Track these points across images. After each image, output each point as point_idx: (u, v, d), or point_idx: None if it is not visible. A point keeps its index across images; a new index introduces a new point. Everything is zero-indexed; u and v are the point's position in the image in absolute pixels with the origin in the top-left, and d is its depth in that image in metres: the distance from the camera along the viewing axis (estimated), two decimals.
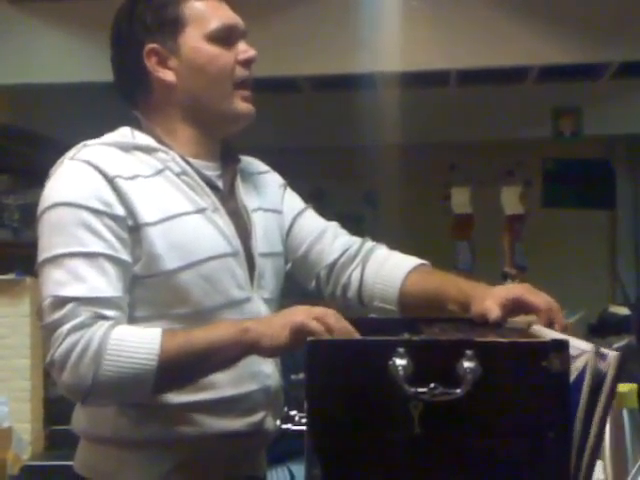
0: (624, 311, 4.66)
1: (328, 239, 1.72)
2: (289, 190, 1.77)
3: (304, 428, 1.13)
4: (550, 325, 1.37)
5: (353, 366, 1.10)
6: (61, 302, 1.37)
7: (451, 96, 5.73)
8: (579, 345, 1.14)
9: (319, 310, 1.33)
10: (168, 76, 1.54)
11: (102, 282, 1.39)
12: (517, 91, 5.70)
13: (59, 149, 1.57)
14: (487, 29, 4.02)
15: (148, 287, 1.45)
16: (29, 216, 4.94)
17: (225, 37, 1.55)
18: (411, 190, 6.07)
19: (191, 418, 1.48)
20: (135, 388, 1.37)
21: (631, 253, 6.64)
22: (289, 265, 1.71)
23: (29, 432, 4.06)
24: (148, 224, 1.45)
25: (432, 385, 1.08)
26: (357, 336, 1.26)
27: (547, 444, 1.09)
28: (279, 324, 1.34)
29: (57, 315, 1.36)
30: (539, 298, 1.43)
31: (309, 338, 1.14)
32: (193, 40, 1.54)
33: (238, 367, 1.46)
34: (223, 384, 1.49)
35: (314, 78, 5.38)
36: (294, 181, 1.79)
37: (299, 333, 1.29)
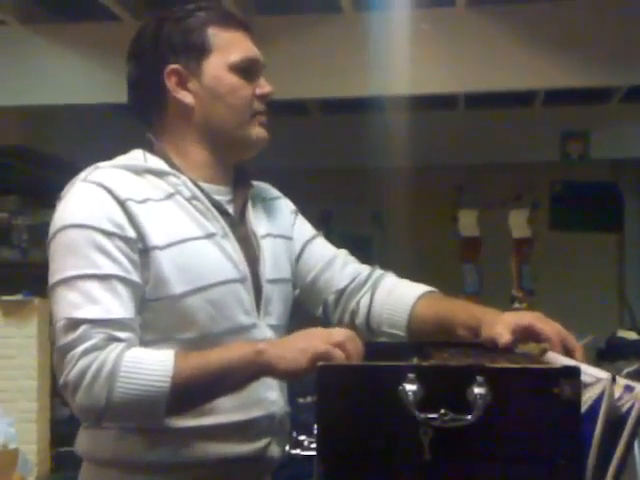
0: (633, 336, 4.65)
1: (337, 266, 1.70)
2: (300, 217, 1.76)
3: (313, 453, 1.12)
4: (569, 354, 1.36)
5: (363, 391, 1.09)
6: (74, 324, 1.36)
7: (459, 119, 5.75)
8: (594, 373, 1.13)
9: (338, 336, 1.31)
10: (187, 98, 1.54)
11: (115, 304, 1.39)
12: (525, 114, 5.72)
13: (68, 170, 1.57)
14: (495, 53, 4.04)
15: (155, 311, 1.44)
16: (37, 236, 4.96)
17: (246, 69, 1.56)
18: (419, 212, 6.08)
19: (193, 443, 1.46)
20: (149, 410, 1.35)
21: (639, 276, 6.62)
22: (297, 291, 1.70)
23: (35, 453, 4.05)
24: (157, 247, 1.44)
25: (442, 411, 1.07)
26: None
27: (558, 471, 1.08)
28: (298, 349, 1.31)
29: (70, 337, 1.36)
30: (550, 327, 1.41)
31: (320, 363, 1.13)
32: (216, 68, 1.55)
33: (243, 393, 1.44)
34: (227, 409, 1.47)
35: (323, 101, 5.41)
36: (302, 203, 1.79)
37: (320, 360, 1.25)
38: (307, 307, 1.72)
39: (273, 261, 1.59)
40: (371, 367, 1.14)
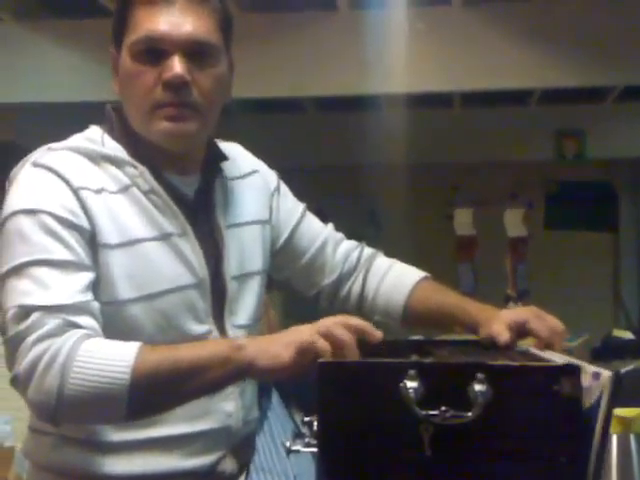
0: (628, 335, 4.65)
1: (329, 251, 1.64)
2: (283, 193, 1.62)
3: (314, 450, 1.12)
4: (548, 347, 1.35)
5: (364, 388, 1.09)
6: (25, 312, 1.22)
7: (455, 118, 5.76)
8: (595, 371, 1.14)
9: (324, 323, 1.20)
10: (115, 85, 1.41)
11: (69, 289, 1.25)
12: (520, 113, 5.73)
13: None
14: (492, 52, 4.05)
15: (102, 314, 1.30)
16: None
17: (149, 51, 1.34)
18: (414, 210, 6.08)
19: (134, 456, 1.35)
20: (107, 407, 1.21)
21: (634, 276, 6.64)
22: (287, 273, 1.64)
23: None
24: (107, 246, 1.32)
25: (443, 408, 1.07)
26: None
27: (559, 469, 1.08)
28: (282, 342, 1.20)
29: (22, 326, 1.21)
30: (542, 324, 1.40)
31: (320, 360, 1.12)
32: (123, 52, 1.37)
33: (193, 403, 1.30)
34: (171, 420, 1.35)
35: (319, 99, 5.41)
36: (298, 200, 1.77)
37: (305, 352, 1.17)
38: (298, 290, 1.66)
39: (239, 255, 1.47)
40: (372, 364, 1.14)
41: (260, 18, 4.05)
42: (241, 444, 1.48)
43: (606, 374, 1.08)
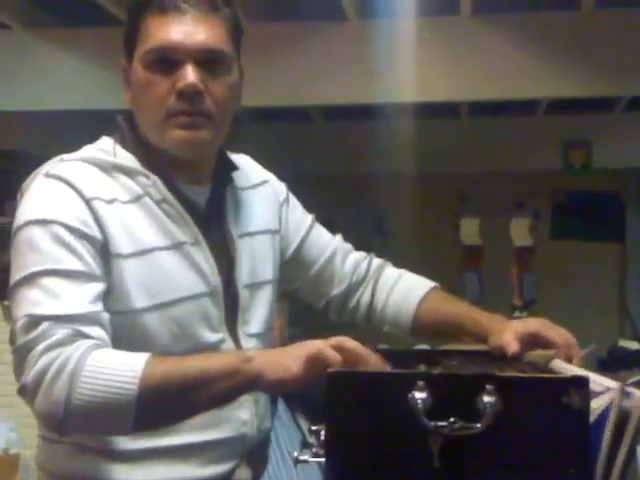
0: (634, 345, 4.64)
1: (338, 262, 1.64)
2: (292, 204, 1.64)
3: (322, 460, 1.12)
4: (568, 360, 1.36)
5: (372, 398, 1.09)
6: (35, 321, 1.22)
7: (462, 127, 5.76)
8: (603, 382, 1.13)
9: (336, 339, 1.20)
10: (127, 96, 1.42)
11: (79, 299, 1.25)
12: (528, 123, 5.73)
13: None
14: (499, 62, 4.05)
15: (113, 325, 1.30)
16: None
17: (161, 60, 1.36)
18: (421, 219, 6.08)
19: (148, 465, 1.35)
20: (114, 418, 1.20)
21: None
22: (296, 283, 1.65)
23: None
24: (120, 255, 1.32)
25: (452, 419, 1.07)
26: (379, 363, 1.21)
27: None
28: (292, 355, 1.20)
29: (31, 335, 1.22)
30: (556, 333, 1.41)
31: (329, 369, 1.11)
32: (135, 62, 1.38)
33: (208, 412, 1.30)
34: (190, 429, 1.35)
35: (326, 108, 5.42)
36: (304, 209, 1.77)
37: (315, 363, 1.17)
38: (308, 300, 1.68)
39: (250, 263, 1.48)
40: (381, 374, 1.13)
41: (268, 28, 4.06)
42: (255, 453, 1.48)
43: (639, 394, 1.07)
